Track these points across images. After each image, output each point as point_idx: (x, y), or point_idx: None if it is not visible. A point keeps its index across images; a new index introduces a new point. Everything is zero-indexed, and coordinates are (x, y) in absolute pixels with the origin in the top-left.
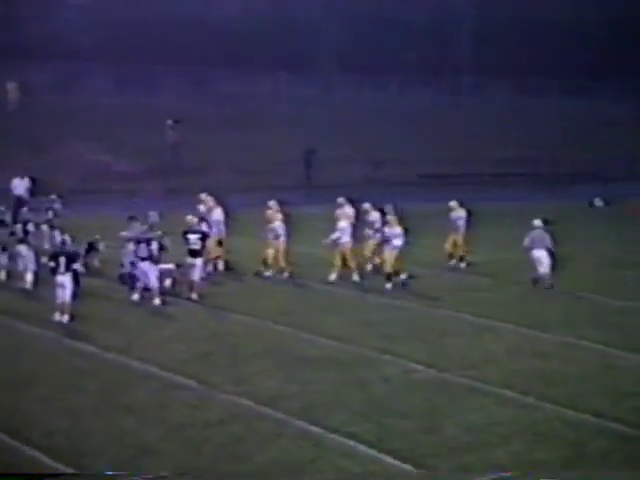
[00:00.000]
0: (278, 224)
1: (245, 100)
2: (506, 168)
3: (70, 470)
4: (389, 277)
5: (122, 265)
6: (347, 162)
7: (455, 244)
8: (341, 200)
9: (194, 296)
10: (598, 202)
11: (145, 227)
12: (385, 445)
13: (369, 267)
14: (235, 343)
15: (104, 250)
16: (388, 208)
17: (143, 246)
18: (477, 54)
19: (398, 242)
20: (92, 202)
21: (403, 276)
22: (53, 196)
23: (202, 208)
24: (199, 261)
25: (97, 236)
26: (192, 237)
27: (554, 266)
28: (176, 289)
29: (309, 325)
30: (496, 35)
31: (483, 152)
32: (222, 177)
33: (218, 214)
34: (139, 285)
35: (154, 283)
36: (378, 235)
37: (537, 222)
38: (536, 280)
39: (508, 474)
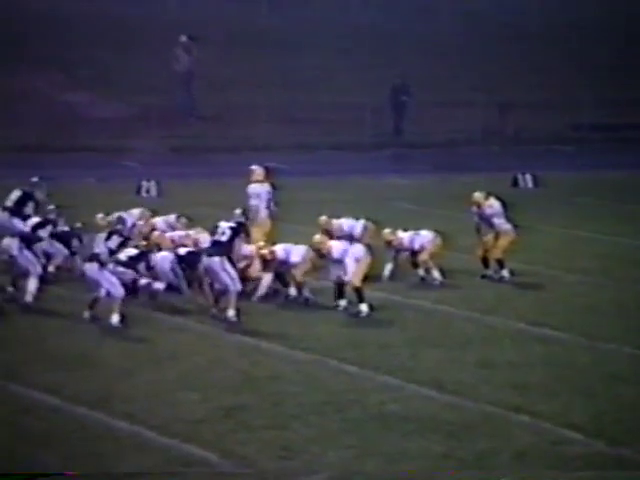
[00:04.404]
0: None
1: (301, 7)
2: None
3: None
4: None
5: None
6: (460, 105)
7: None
8: None
9: (214, 311)
10: None
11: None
12: None
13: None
14: (278, 393)
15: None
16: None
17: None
18: None
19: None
20: (57, 165)
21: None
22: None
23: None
24: (217, 261)
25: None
26: (222, 225)
27: None
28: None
29: (393, 364)
30: None
31: None
32: (261, 128)
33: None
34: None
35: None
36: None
37: None
38: None
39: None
